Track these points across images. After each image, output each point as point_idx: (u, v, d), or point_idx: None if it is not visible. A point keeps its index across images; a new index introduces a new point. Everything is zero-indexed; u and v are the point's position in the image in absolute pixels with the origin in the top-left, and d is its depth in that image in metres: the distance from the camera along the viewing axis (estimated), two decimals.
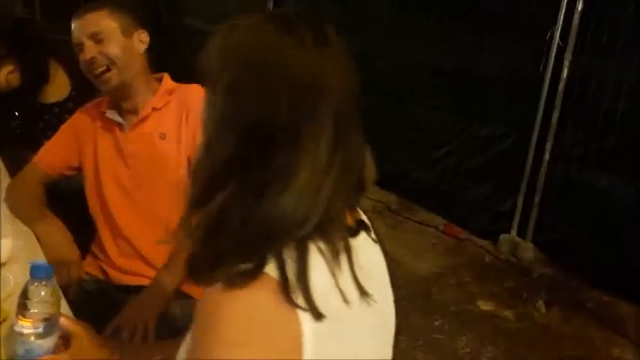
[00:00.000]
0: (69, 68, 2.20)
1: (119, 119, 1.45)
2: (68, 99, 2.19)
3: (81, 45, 1.39)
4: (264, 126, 0.59)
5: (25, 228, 1.38)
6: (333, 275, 0.60)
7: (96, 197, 1.46)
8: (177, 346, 0.69)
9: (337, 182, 0.60)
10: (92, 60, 1.38)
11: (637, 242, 2.55)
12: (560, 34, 2.76)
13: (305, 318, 0.56)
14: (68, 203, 1.55)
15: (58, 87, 2.21)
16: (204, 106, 0.65)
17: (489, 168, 3.16)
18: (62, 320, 0.85)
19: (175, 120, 1.41)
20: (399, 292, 0.75)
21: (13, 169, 1.73)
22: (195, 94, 1.41)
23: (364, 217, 0.74)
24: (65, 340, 0.86)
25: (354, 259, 0.63)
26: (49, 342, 0.83)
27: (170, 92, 1.46)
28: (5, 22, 2.27)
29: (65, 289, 1.18)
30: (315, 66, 0.60)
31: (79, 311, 1.05)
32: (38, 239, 1.34)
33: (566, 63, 2.77)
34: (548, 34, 2.78)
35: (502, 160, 3.10)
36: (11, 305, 0.96)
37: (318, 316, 0.57)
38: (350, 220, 0.68)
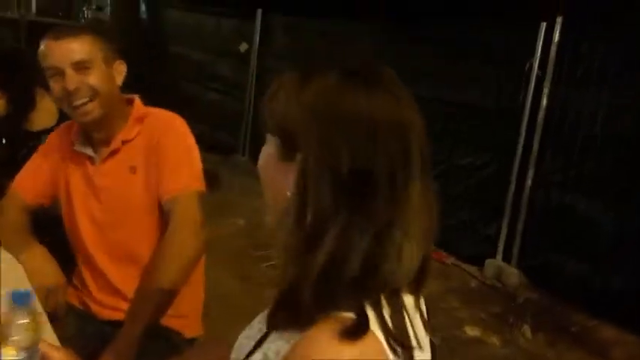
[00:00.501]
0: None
1: (90, 153, 1.38)
2: (55, 126, 2.20)
3: (61, 73, 1.28)
4: (362, 174, 0.59)
5: (9, 255, 1.36)
6: (412, 325, 0.62)
7: (71, 231, 1.42)
8: None
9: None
10: (75, 90, 1.28)
11: (619, 266, 2.59)
12: (539, 65, 2.86)
13: None
14: (52, 230, 1.53)
15: (45, 114, 2.22)
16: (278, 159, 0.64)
17: (473, 194, 3.21)
18: (44, 346, 0.84)
19: (144, 153, 1.35)
20: None
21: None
22: (164, 124, 1.38)
23: None
24: None
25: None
26: None
27: (141, 120, 1.38)
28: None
29: (51, 319, 1.17)
30: (392, 110, 0.61)
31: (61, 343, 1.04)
32: (23, 266, 1.32)
33: (545, 92, 2.86)
34: (527, 64, 2.88)
35: (485, 187, 3.15)
36: None
37: (410, 348, 0.59)
38: None
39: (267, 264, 2.54)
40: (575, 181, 2.78)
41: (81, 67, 1.28)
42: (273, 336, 0.64)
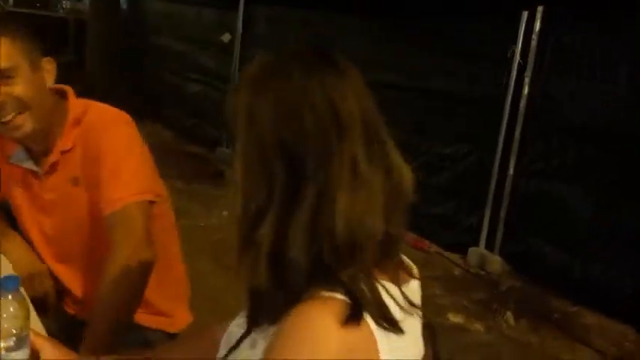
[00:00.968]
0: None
1: (32, 167, 1.25)
2: None
3: None
4: (288, 151, 0.60)
5: None
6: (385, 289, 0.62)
7: (27, 239, 1.33)
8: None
9: (387, 198, 0.62)
10: (1, 107, 1.10)
11: (598, 252, 2.63)
12: (521, 54, 2.87)
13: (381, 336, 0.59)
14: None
15: None
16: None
17: (456, 183, 3.23)
18: (32, 334, 0.83)
19: (84, 162, 1.21)
20: None
21: None
22: (103, 126, 1.21)
23: (405, 259, 0.75)
24: (34, 356, 0.84)
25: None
26: (21, 355, 0.80)
27: (78, 122, 1.22)
28: None
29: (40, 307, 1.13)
30: (323, 89, 0.62)
31: None
32: (4, 255, 1.28)
33: (527, 81, 2.87)
34: (509, 53, 2.89)
35: (468, 176, 3.17)
36: None
37: (400, 331, 0.60)
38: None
39: None
40: (556, 169, 2.81)
41: (4, 76, 1.09)
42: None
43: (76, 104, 1.23)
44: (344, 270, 0.59)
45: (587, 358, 2.36)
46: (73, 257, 1.30)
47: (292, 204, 0.60)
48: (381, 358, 0.58)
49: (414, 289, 0.71)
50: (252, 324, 0.66)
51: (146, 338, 1.29)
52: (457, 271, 3.01)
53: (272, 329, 0.62)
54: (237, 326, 0.70)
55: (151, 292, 1.19)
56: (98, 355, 0.98)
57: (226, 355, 0.69)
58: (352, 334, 0.56)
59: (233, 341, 0.68)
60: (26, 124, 1.13)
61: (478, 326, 2.53)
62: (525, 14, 2.84)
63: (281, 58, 0.65)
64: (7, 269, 1.20)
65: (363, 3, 3.59)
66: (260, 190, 0.61)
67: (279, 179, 0.60)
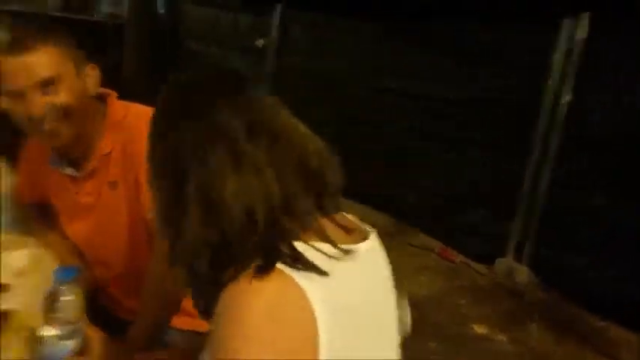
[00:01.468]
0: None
1: (71, 173, 1.26)
2: None
3: (21, 95, 1.07)
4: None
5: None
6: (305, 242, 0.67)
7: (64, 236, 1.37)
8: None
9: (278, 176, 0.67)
10: (41, 116, 1.08)
11: (632, 267, 2.58)
12: (559, 62, 2.82)
13: (313, 288, 0.62)
14: None
15: None
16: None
17: (487, 192, 3.21)
18: (84, 325, 0.88)
19: (122, 165, 1.21)
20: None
21: None
22: (140, 129, 1.13)
23: (362, 226, 0.79)
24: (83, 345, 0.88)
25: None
26: (73, 344, 0.85)
27: (117, 125, 1.22)
28: None
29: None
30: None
31: None
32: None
33: (565, 90, 2.82)
34: (548, 62, 2.85)
35: (498, 185, 3.15)
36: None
37: (322, 273, 0.63)
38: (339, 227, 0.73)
39: None
40: (592, 181, 2.75)
41: (46, 86, 1.08)
42: None
43: (115, 108, 1.24)
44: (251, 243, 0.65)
45: None
46: (109, 260, 1.33)
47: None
48: (312, 305, 0.61)
49: (365, 247, 0.73)
50: (205, 318, 0.71)
51: (176, 339, 1.31)
52: (483, 281, 3.00)
53: None
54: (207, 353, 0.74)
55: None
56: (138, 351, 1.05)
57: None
58: (271, 289, 0.60)
59: None
60: (65, 132, 1.14)
61: (502, 337, 2.52)
62: (566, 22, 2.79)
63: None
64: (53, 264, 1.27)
65: (400, 10, 3.60)
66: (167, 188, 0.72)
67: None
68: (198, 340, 1.29)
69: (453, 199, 3.32)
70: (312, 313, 0.60)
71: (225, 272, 0.65)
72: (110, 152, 1.23)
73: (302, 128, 0.72)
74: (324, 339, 0.60)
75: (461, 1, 3.16)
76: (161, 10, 6.17)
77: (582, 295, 2.70)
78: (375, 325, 0.73)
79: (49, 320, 0.86)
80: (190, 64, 5.75)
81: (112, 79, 1.32)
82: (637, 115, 2.59)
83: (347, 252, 0.68)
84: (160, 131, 0.75)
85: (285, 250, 0.64)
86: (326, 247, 0.67)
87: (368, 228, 0.79)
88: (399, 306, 0.80)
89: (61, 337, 0.85)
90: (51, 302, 0.87)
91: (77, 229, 1.33)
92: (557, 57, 2.83)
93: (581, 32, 2.74)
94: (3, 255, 1.24)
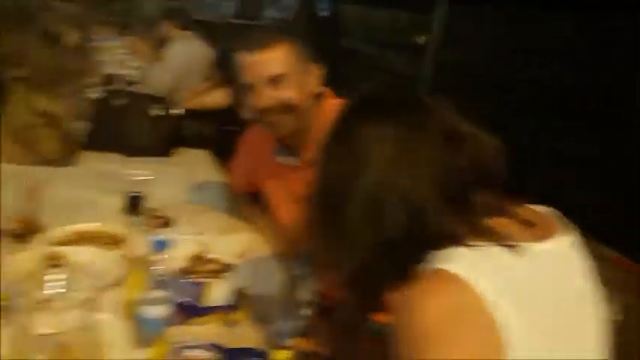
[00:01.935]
0: None
1: (293, 162, 1.35)
2: None
3: (254, 88, 1.22)
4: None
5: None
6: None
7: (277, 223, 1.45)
8: None
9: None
10: (269, 108, 1.22)
11: None
12: None
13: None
14: None
15: None
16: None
17: None
18: None
19: None
20: None
21: None
22: None
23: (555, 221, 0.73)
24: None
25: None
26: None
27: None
28: (220, 53, 2.60)
29: None
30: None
31: None
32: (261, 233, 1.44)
33: None
34: None
35: None
36: None
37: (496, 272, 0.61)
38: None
39: None
40: None
41: (276, 81, 1.21)
42: None
43: (332, 104, 1.32)
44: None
45: None
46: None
47: None
48: (489, 305, 0.58)
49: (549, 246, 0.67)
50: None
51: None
52: None
53: None
54: None
55: None
56: None
57: None
58: (447, 291, 0.59)
59: None
60: (288, 124, 1.25)
61: None
62: None
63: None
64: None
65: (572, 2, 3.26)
66: None
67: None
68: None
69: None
70: (490, 313, 0.58)
71: (398, 272, 0.64)
72: None
73: (470, 126, 0.70)
74: (509, 339, 0.58)
75: None
76: (323, 12, 6.38)
77: None
78: (570, 325, 0.68)
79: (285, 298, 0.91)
80: (347, 63, 5.87)
81: None
82: None
83: (522, 249, 0.64)
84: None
85: (458, 249, 0.62)
86: (497, 245, 0.64)
87: (563, 224, 0.72)
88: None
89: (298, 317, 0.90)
90: (291, 284, 0.91)
91: (293, 215, 1.38)
92: None
93: None
94: (225, 238, 1.35)
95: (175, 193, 1.72)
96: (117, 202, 1.55)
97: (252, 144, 1.50)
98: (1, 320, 0.91)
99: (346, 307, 0.98)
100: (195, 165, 2.10)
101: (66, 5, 3.91)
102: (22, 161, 1.79)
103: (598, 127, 3.31)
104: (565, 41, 3.32)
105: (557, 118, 3.35)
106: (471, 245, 0.63)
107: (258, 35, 1.29)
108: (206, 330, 0.99)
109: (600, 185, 3.23)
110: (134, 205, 1.48)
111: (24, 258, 1.13)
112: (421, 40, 4.83)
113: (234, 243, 1.34)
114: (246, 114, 2.50)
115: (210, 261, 1.20)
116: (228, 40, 3.59)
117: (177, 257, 1.18)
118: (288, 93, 1.22)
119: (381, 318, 1.33)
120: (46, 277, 0.90)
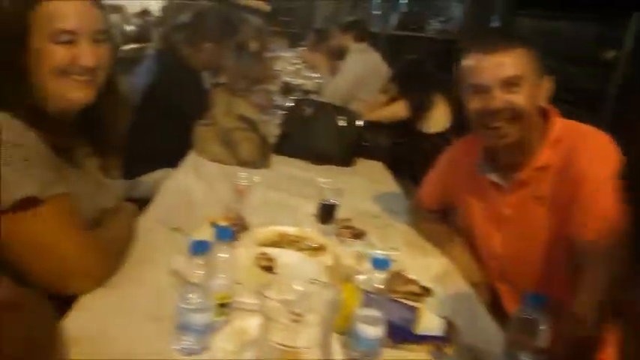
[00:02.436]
0: (452, 103, 2.36)
1: (497, 180, 1.29)
2: (448, 130, 2.36)
3: (486, 90, 1.18)
4: None
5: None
6: None
7: (471, 248, 1.39)
8: None
9: None
10: (497, 111, 1.17)
11: None
12: None
13: None
14: None
15: (440, 119, 2.39)
16: None
17: None
18: None
19: (556, 180, 1.20)
20: None
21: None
22: (583, 143, 1.17)
23: None
24: None
25: None
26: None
27: (559, 141, 1.21)
28: (399, 66, 2.59)
29: None
30: None
31: None
32: (447, 257, 1.38)
33: None
34: None
35: None
36: None
37: None
38: None
39: None
40: None
41: (509, 84, 1.16)
42: None
43: (558, 124, 1.23)
44: None
45: None
46: (517, 277, 1.29)
47: None
48: None
49: None
50: None
51: None
52: None
53: None
54: None
55: None
56: None
57: None
58: None
59: None
60: (513, 134, 1.19)
61: None
62: None
63: None
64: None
65: None
66: None
67: None
68: None
69: None
70: None
71: None
72: (545, 167, 1.22)
73: None
74: None
75: None
76: (494, 24, 6.10)
77: None
78: None
79: (513, 345, 0.83)
80: None
81: None
82: None
83: None
84: None
85: None
86: None
87: None
88: None
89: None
90: (521, 327, 0.83)
91: (493, 240, 1.33)
92: None
93: None
94: (420, 260, 1.30)
95: (357, 203, 1.72)
96: (309, 207, 1.61)
97: (454, 158, 1.45)
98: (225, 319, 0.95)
99: None
100: (374, 176, 2.10)
101: (252, 17, 4.25)
102: (227, 161, 1.95)
103: None
104: None
105: None
106: None
107: (493, 37, 1.28)
108: (414, 356, 0.95)
109: None
110: (328, 213, 1.50)
111: (238, 257, 1.19)
112: (610, 54, 4.37)
113: (431, 265, 1.29)
114: (427, 128, 2.45)
115: (410, 281, 1.16)
116: (394, 52, 3.59)
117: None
118: (519, 99, 1.16)
119: None
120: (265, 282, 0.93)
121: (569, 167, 1.16)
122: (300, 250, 1.30)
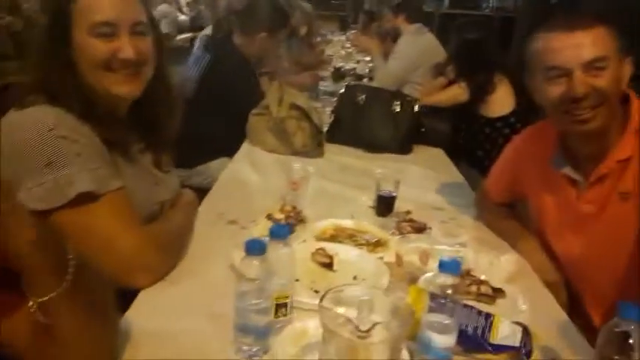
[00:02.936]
0: (515, 85, 2.21)
1: (574, 175, 1.18)
2: (511, 114, 2.21)
3: (566, 74, 1.07)
4: None
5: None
6: None
7: (544, 246, 1.28)
8: None
9: None
10: (582, 97, 1.06)
11: None
12: None
13: None
14: None
15: (502, 102, 2.24)
16: None
17: None
18: None
19: None
20: None
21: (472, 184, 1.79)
22: None
23: None
24: None
25: None
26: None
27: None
28: (456, 47, 2.46)
29: None
30: None
31: None
32: (520, 254, 1.27)
33: None
34: None
35: None
36: None
37: None
38: None
39: None
40: None
41: (593, 67, 1.05)
42: None
43: (639, 109, 1.11)
44: None
45: None
46: (599, 279, 1.18)
47: None
48: None
49: None
50: None
51: None
52: None
53: None
54: None
55: None
56: None
57: None
58: None
59: None
60: (596, 120, 1.07)
61: None
62: None
63: None
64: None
65: None
66: None
67: None
68: None
69: None
70: None
71: None
72: (628, 159, 1.10)
73: None
74: None
75: None
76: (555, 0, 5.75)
77: None
78: None
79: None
80: None
81: None
82: None
83: None
84: None
85: None
86: None
87: None
88: None
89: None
90: (614, 341, 0.73)
91: (570, 239, 1.21)
92: None
93: None
94: (490, 258, 1.21)
95: (417, 193, 1.63)
96: (364, 198, 1.54)
97: (525, 148, 1.33)
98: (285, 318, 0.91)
99: None
100: (434, 164, 2.00)
101: (302, 2, 4.17)
102: (281, 151, 1.91)
103: None
104: None
105: None
106: None
107: (570, 16, 1.12)
108: None
109: None
110: (387, 205, 1.43)
111: (296, 251, 1.15)
112: None
113: (502, 263, 1.19)
114: (489, 112, 2.30)
115: (481, 282, 1.07)
116: (449, 31, 3.43)
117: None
118: (603, 81, 1.05)
119: None
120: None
121: None
122: (359, 245, 1.24)
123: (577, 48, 1.05)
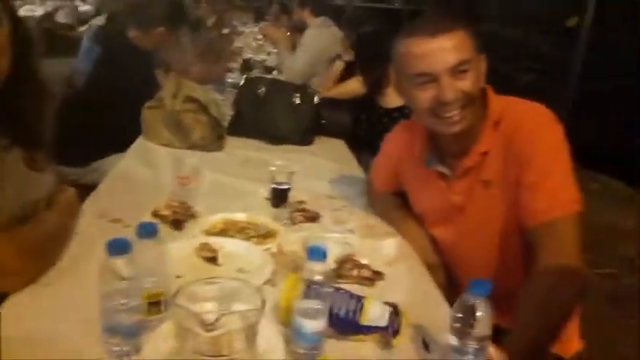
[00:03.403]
0: None
1: (442, 170, 1.23)
2: (406, 105, 2.29)
3: (433, 78, 1.08)
4: None
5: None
6: None
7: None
8: None
9: None
10: (451, 101, 1.08)
11: None
12: None
13: None
14: None
15: (396, 94, 2.32)
16: None
17: None
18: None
19: (501, 162, 1.13)
20: None
21: (364, 169, 1.86)
22: (526, 122, 1.11)
23: None
24: None
25: None
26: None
27: (498, 124, 1.14)
28: (354, 39, 2.51)
29: None
30: None
31: None
32: (404, 238, 1.33)
33: None
34: None
35: None
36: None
37: None
38: None
39: None
40: None
41: (458, 70, 1.07)
42: None
43: (495, 103, 1.17)
44: None
45: None
46: (472, 264, 1.24)
47: None
48: None
49: None
50: None
51: None
52: None
53: None
54: None
55: None
56: None
57: None
58: None
59: None
60: (466, 119, 1.11)
61: None
62: None
63: None
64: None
65: None
66: None
67: None
68: None
69: None
70: None
71: None
72: (487, 152, 1.16)
73: None
74: None
75: None
76: None
77: None
78: None
79: (456, 331, 0.79)
80: (489, 46, 5.49)
81: None
82: None
83: None
84: None
85: None
86: None
87: None
88: None
89: (468, 353, 0.77)
90: (463, 314, 0.79)
91: (444, 228, 1.28)
92: None
93: None
94: (374, 242, 1.25)
95: (312, 184, 1.66)
96: (262, 191, 1.54)
97: (399, 145, 1.38)
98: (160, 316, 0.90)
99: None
100: (333, 154, 2.04)
101: None
102: (176, 145, 1.86)
103: None
104: None
105: None
106: None
107: (431, 20, 1.13)
108: (361, 347, 0.90)
109: None
110: (280, 197, 1.44)
111: (179, 248, 1.13)
112: (572, 22, 4.39)
113: (384, 248, 1.24)
114: (386, 103, 2.37)
115: (362, 266, 1.11)
116: (357, 24, 3.51)
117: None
118: (468, 84, 1.08)
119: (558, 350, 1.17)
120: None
121: (516, 148, 1.10)
122: (249, 238, 1.24)
123: (441, 53, 1.06)
